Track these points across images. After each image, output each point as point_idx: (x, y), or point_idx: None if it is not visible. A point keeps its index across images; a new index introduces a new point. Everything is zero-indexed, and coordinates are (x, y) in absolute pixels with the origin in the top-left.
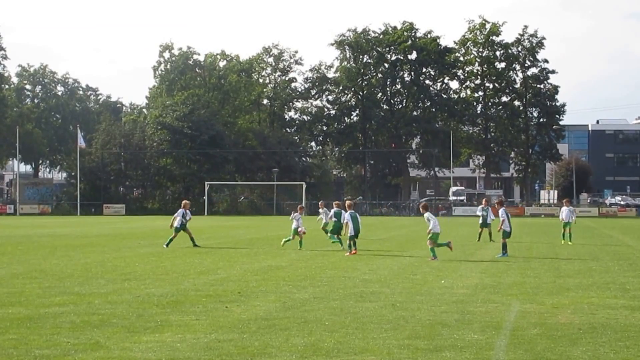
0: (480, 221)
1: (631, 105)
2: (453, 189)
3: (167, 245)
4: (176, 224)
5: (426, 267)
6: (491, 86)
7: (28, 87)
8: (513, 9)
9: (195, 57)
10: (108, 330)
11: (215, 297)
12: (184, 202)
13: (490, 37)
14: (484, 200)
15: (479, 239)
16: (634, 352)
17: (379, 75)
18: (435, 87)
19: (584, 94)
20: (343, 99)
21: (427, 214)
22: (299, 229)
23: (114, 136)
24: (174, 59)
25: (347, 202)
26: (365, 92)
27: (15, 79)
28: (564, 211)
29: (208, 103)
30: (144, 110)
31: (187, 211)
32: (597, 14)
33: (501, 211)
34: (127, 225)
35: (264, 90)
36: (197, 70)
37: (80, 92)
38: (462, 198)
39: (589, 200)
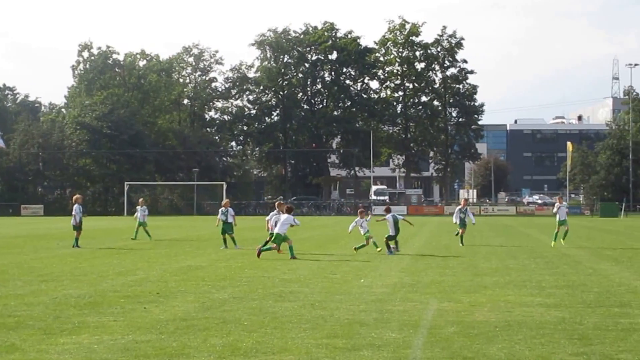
0: (458, 222)
1: (549, 106)
2: (374, 188)
3: (76, 245)
4: (77, 221)
5: (346, 266)
6: (411, 86)
7: None
8: (435, 9)
9: (114, 56)
10: (24, 332)
11: (133, 297)
12: (76, 196)
13: (410, 38)
14: (463, 200)
15: (462, 242)
16: (549, 349)
17: (300, 75)
18: (356, 87)
19: (502, 94)
20: (264, 99)
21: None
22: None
23: (32, 136)
24: (93, 58)
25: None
26: (285, 91)
27: None
28: (561, 208)
29: (128, 103)
30: (63, 110)
31: (81, 206)
32: (518, 14)
33: (388, 216)
34: (45, 226)
35: (184, 90)
36: (117, 69)
37: None
38: (384, 198)
39: (507, 199)
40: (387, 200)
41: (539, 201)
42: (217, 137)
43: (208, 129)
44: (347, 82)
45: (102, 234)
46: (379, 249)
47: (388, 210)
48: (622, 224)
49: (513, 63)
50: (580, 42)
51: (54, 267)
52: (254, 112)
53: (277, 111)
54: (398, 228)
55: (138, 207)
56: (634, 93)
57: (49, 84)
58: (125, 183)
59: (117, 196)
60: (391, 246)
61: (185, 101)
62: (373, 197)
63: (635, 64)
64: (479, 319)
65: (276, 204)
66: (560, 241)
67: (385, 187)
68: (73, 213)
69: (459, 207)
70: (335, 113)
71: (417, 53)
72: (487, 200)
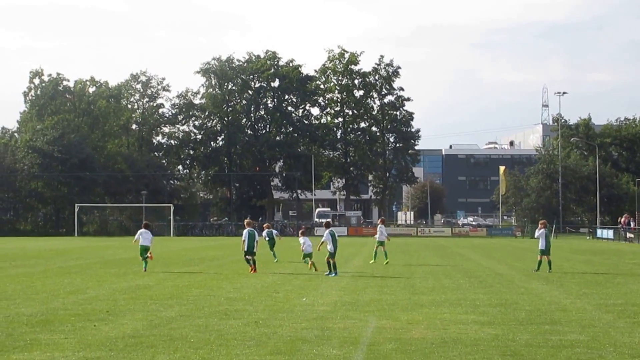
0: (541, 246)
1: (482, 131)
2: (318, 210)
3: None
4: None
5: (288, 285)
6: (350, 113)
7: None
8: (366, 37)
9: (65, 83)
10: None
11: (84, 315)
12: None
13: (349, 66)
14: (540, 223)
15: (539, 268)
16: None
17: (244, 101)
18: (297, 113)
19: (437, 119)
20: (209, 124)
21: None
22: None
23: None
24: (44, 85)
25: (246, 221)
26: (230, 117)
27: None
28: (381, 230)
29: (78, 128)
30: (15, 134)
31: None
32: (444, 43)
33: (325, 233)
34: None
35: (133, 115)
36: (67, 96)
37: None
38: (327, 219)
39: (442, 221)
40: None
41: (473, 223)
42: (164, 161)
43: (156, 153)
44: (289, 108)
45: (53, 254)
46: (313, 268)
47: (327, 226)
48: (552, 245)
49: (448, 90)
50: (509, 71)
51: (7, 286)
52: (199, 137)
53: (222, 136)
54: (336, 245)
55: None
56: (563, 120)
57: (1, 110)
58: (76, 205)
59: (68, 217)
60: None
61: (134, 126)
62: (316, 219)
63: (564, 92)
64: (416, 336)
65: (325, 223)
66: (384, 260)
67: (329, 209)
68: None
69: (538, 228)
70: (278, 138)
71: (356, 81)
72: (424, 222)
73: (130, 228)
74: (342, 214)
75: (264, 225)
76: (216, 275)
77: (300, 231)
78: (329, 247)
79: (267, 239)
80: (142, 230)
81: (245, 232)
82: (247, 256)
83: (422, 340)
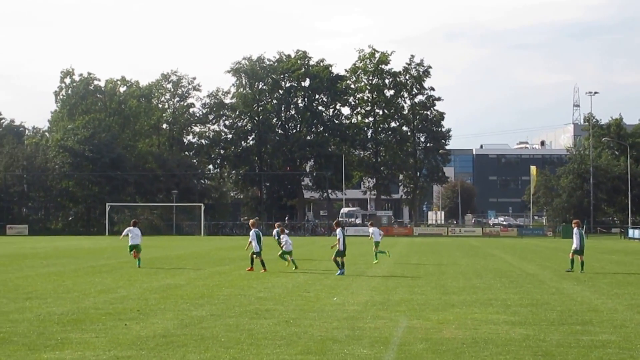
0: (575, 246)
1: (514, 131)
2: (345, 210)
3: None
4: None
5: (319, 284)
6: (381, 112)
7: None
8: (398, 37)
9: (96, 82)
10: (9, 348)
11: (115, 315)
12: None
13: (380, 66)
14: (574, 222)
15: (572, 267)
16: None
17: (274, 101)
18: (328, 113)
19: (469, 119)
20: (239, 124)
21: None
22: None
23: (16, 159)
24: (75, 84)
25: (251, 221)
26: (260, 117)
27: None
28: (374, 231)
29: (109, 127)
30: (47, 134)
31: None
32: (475, 43)
33: (338, 231)
34: (30, 245)
35: (163, 115)
36: (98, 95)
37: None
38: (354, 219)
39: (473, 221)
40: (357, 222)
41: (504, 223)
42: (195, 161)
43: (186, 152)
44: (320, 108)
45: (84, 253)
46: (293, 266)
47: (338, 225)
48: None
49: (478, 90)
50: (540, 71)
51: (38, 285)
52: (230, 136)
53: (253, 135)
54: (346, 244)
55: None
56: (594, 120)
57: (33, 109)
58: (107, 204)
59: (99, 217)
60: (339, 263)
61: (164, 126)
62: (343, 218)
63: (595, 92)
64: (447, 336)
65: (335, 222)
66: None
67: (357, 208)
68: None
69: (575, 228)
70: (309, 138)
71: (387, 81)
72: (454, 222)
73: (160, 227)
74: (372, 214)
75: (275, 224)
76: (247, 274)
77: (280, 228)
78: (340, 245)
79: (276, 238)
80: (131, 228)
81: (252, 232)
82: (260, 257)
83: (453, 340)
